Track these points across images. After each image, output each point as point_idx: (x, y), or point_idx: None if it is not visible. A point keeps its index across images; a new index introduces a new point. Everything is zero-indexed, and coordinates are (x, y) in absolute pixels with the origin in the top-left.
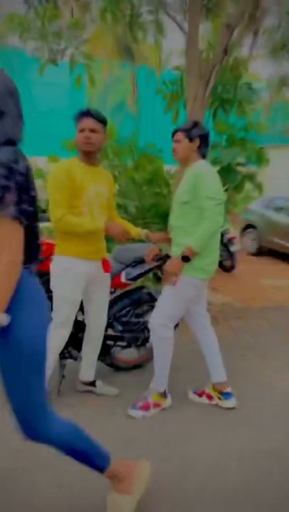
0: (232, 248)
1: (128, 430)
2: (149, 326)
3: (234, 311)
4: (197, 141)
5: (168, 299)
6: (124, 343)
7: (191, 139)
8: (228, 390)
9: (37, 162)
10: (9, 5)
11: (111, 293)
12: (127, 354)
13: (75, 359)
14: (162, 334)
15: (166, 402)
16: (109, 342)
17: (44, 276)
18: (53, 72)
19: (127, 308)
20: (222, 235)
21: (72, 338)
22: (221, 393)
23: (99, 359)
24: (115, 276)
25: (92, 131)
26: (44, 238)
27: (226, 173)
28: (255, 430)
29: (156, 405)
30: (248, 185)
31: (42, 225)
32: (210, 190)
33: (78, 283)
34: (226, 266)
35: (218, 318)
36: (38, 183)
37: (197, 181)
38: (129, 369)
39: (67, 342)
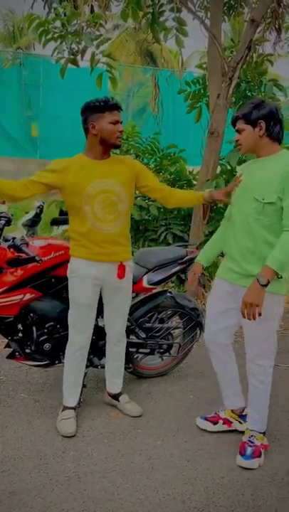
0: None
1: (150, 448)
2: (260, 370)
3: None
4: (263, 125)
5: (266, 335)
6: (146, 350)
7: (254, 125)
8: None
9: None
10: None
11: (133, 298)
12: (150, 361)
13: (97, 367)
14: (269, 365)
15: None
16: (131, 349)
17: (65, 281)
18: (77, 79)
19: (150, 314)
20: None
21: (93, 345)
22: (240, 416)
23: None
24: (138, 281)
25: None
26: (63, 242)
27: None
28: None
29: (265, 446)
30: None
31: (64, 227)
32: None
33: (85, 285)
34: None
35: None
36: None
37: None
38: (152, 377)
39: (88, 350)
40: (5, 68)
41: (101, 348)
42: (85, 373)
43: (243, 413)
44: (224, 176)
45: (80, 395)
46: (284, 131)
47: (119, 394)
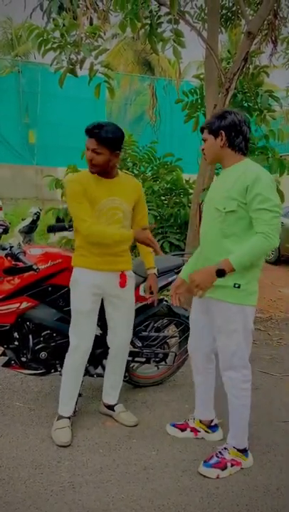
0: None
1: (145, 458)
2: (230, 383)
3: (254, 321)
4: (223, 135)
5: (233, 348)
6: (142, 359)
7: (216, 135)
8: (216, 421)
9: (58, 172)
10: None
11: None
12: (146, 370)
13: (92, 376)
14: (241, 380)
15: (248, 460)
16: (127, 357)
17: (61, 290)
18: (75, 87)
19: (146, 323)
20: None
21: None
22: (209, 426)
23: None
24: (134, 290)
25: (94, 151)
26: (60, 250)
27: None
28: (283, 459)
29: (236, 463)
30: None
31: (60, 234)
32: (270, 200)
33: (86, 294)
34: None
35: None
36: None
37: (254, 186)
38: (148, 385)
39: None
40: (3, 76)
41: (97, 357)
42: (81, 382)
43: (212, 424)
44: None
45: (76, 404)
46: (248, 142)
47: (115, 404)
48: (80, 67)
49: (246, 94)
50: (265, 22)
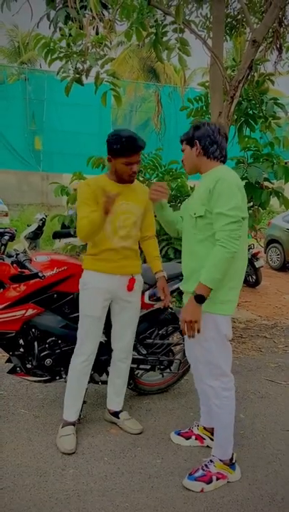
0: (256, 263)
1: (150, 466)
2: (210, 392)
3: (260, 328)
4: (198, 144)
5: (208, 356)
6: (147, 366)
7: (191, 145)
8: None
9: (63, 179)
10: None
11: None
12: (151, 377)
13: (97, 383)
14: (221, 387)
15: (235, 474)
16: (132, 365)
17: (67, 297)
18: (80, 94)
19: (151, 330)
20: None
21: (94, 360)
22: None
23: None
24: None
25: (138, 162)
26: (65, 257)
27: (252, 189)
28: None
29: (222, 476)
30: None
31: (65, 240)
32: (228, 204)
33: (96, 297)
34: (250, 281)
35: (243, 336)
36: (63, 199)
37: (214, 189)
38: (152, 393)
39: None
40: (10, 83)
41: (102, 363)
42: (86, 389)
43: None
44: None
45: (81, 411)
46: (225, 151)
47: (120, 411)
48: (86, 76)
49: (251, 102)
50: (270, 30)
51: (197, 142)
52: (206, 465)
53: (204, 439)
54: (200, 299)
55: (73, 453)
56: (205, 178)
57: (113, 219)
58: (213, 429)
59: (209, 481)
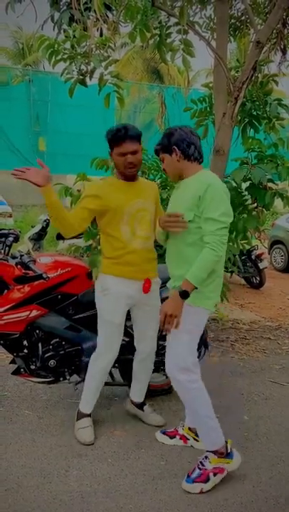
0: (260, 265)
1: (153, 468)
2: (177, 385)
3: (264, 330)
4: (176, 150)
5: (179, 348)
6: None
7: (170, 152)
8: None
9: (67, 180)
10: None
11: None
12: (155, 379)
13: (105, 384)
14: (187, 380)
15: (234, 462)
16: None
17: (71, 298)
18: (84, 96)
19: None
20: (250, 252)
21: None
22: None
23: (125, 384)
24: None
25: (133, 153)
26: (69, 259)
27: (256, 190)
28: None
29: (219, 470)
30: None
31: (69, 242)
32: (218, 210)
33: (117, 303)
34: (254, 283)
35: (247, 337)
36: (66, 201)
37: (205, 196)
38: (156, 394)
39: None
40: (14, 85)
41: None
42: None
43: None
44: (229, 193)
45: None
46: (201, 150)
47: (143, 403)
48: (90, 78)
49: (255, 103)
50: (274, 31)
51: (176, 148)
52: (201, 463)
53: (188, 439)
54: (185, 294)
55: (92, 444)
56: (190, 183)
57: (129, 219)
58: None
59: (207, 480)
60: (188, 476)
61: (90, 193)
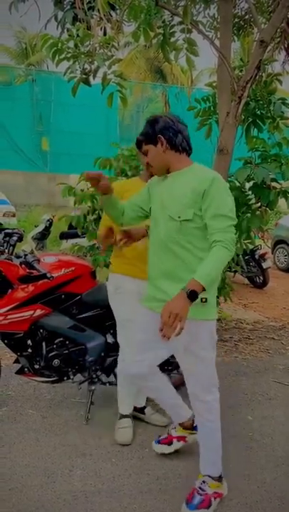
0: (264, 264)
1: (157, 468)
2: (203, 412)
3: (267, 330)
4: (162, 139)
5: (201, 367)
6: None
7: (155, 142)
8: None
9: (70, 180)
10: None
11: None
12: None
13: (105, 384)
14: (216, 406)
15: (224, 484)
16: None
17: (75, 297)
18: (87, 95)
19: None
20: (253, 251)
21: (101, 362)
22: (192, 427)
23: None
24: None
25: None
26: (73, 258)
27: (260, 189)
28: None
29: (218, 495)
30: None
31: (72, 241)
32: (227, 206)
33: (133, 301)
34: (257, 282)
35: (250, 337)
36: (70, 200)
37: (210, 190)
38: None
39: (96, 367)
40: (17, 85)
41: (109, 365)
42: (93, 390)
43: (194, 424)
44: (233, 192)
45: (88, 412)
46: (189, 141)
47: (144, 407)
48: (94, 77)
49: (259, 102)
50: (278, 30)
51: (161, 137)
52: (200, 488)
53: (185, 436)
54: (193, 295)
55: (129, 445)
56: (185, 177)
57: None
58: (190, 421)
59: (209, 505)
60: (189, 502)
61: (122, 190)
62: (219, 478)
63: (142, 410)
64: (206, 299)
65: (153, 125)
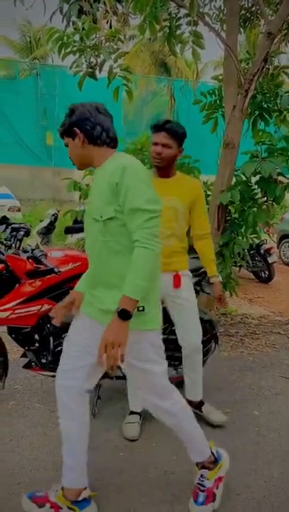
0: (269, 259)
1: (165, 462)
2: (163, 414)
3: (273, 324)
4: (78, 132)
5: (149, 377)
6: None
7: (72, 135)
8: (85, 494)
9: (75, 174)
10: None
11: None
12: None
13: (112, 378)
14: (177, 408)
15: (224, 461)
16: None
17: None
18: (92, 89)
19: (164, 326)
20: (259, 246)
21: None
22: (74, 502)
23: None
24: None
25: (164, 146)
26: (80, 253)
27: (266, 184)
28: None
29: (218, 481)
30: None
31: (77, 236)
32: (142, 197)
33: None
34: (262, 277)
35: (256, 332)
36: (75, 195)
37: (122, 181)
38: None
39: None
40: (22, 79)
41: None
42: (100, 385)
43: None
44: (239, 187)
45: (95, 406)
46: (112, 132)
47: (201, 403)
48: (100, 71)
49: (266, 95)
50: (285, 22)
51: (76, 130)
52: (200, 484)
53: (61, 508)
54: (124, 314)
55: (136, 440)
56: (103, 171)
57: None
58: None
59: (214, 498)
60: (195, 500)
61: None
62: (214, 462)
63: (198, 406)
64: (142, 307)
65: (70, 116)
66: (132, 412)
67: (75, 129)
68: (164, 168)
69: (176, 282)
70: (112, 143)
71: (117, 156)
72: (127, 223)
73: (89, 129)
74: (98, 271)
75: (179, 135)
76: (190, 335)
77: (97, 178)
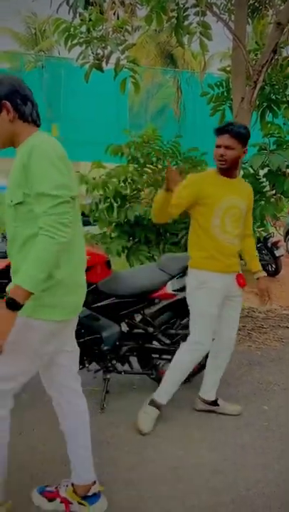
0: (276, 252)
1: (174, 457)
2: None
3: (280, 318)
4: (8, 105)
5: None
6: (170, 356)
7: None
8: (95, 489)
9: (81, 167)
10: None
11: (155, 304)
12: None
13: (120, 373)
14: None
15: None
16: (154, 355)
17: (90, 287)
18: (97, 81)
19: (173, 320)
20: (266, 239)
21: (116, 350)
22: (84, 497)
23: (144, 373)
24: (161, 287)
25: (227, 147)
26: (88, 247)
27: (274, 177)
28: None
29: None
30: None
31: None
32: (49, 181)
33: (214, 297)
34: (269, 270)
35: (264, 326)
36: (82, 188)
37: (29, 162)
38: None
39: (111, 355)
40: (27, 71)
41: (124, 354)
42: (108, 379)
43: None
44: (247, 179)
45: (104, 400)
46: (37, 110)
47: (216, 399)
48: (106, 62)
49: (274, 87)
50: None
51: (7, 103)
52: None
53: (71, 503)
54: (12, 304)
55: (145, 434)
56: (19, 151)
57: (221, 214)
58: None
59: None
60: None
61: (189, 183)
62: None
63: (214, 403)
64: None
65: None
66: (154, 404)
67: (6, 101)
68: (229, 169)
69: (243, 282)
70: (38, 121)
71: (36, 135)
72: (34, 209)
73: (20, 103)
74: (14, 259)
75: (241, 136)
76: (232, 331)
77: (16, 159)
